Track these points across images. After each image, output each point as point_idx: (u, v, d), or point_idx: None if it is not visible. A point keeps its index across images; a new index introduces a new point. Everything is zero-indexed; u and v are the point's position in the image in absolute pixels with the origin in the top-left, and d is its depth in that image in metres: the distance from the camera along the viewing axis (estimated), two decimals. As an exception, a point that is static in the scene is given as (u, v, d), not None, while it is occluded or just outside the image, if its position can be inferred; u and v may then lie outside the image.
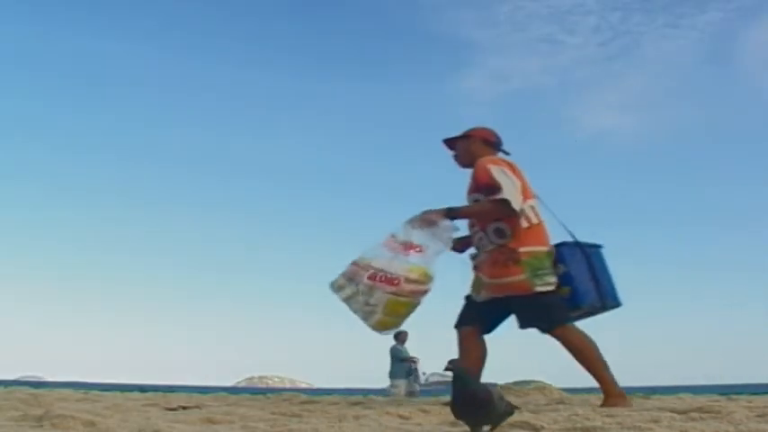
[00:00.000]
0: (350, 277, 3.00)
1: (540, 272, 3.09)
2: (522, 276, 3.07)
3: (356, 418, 2.45)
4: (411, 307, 3.04)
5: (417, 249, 3.04)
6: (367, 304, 2.94)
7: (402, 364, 9.85)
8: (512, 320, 3.27)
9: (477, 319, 3.26)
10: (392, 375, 9.85)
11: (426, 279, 3.05)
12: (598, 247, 3.40)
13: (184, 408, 3.10)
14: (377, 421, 2.33)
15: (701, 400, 3.68)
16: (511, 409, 1.83)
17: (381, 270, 2.94)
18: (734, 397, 4.39)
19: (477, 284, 3.26)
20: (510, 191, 3.08)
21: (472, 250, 3.37)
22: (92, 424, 1.99)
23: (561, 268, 3.19)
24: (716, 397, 4.61)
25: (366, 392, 8.56)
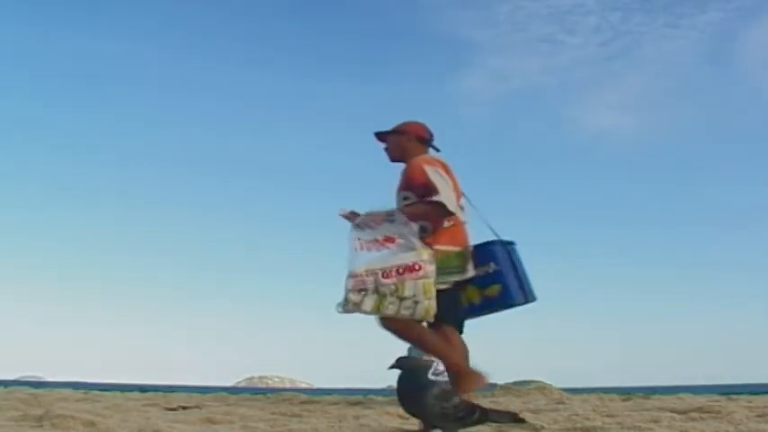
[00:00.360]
0: (361, 288, 2.98)
1: (442, 270, 3.16)
2: None
3: (356, 418, 2.45)
4: (434, 286, 3.09)
5: (396, 240, 3.06)
6: (403, 299, 2.94)
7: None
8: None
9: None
10: None
11: (432, 257, 3.10)
12: (513, 243, 3.51)
13: (184, 408, 3.09)
14: (377, 421, 2.33)
15: (701, 400, 3.68)
16: (467, 416, 1.73)
17: (392, 265, 2.96)
18: (734, 397, 4.39)
19: None
20: (446, 193, 3.15)
21: None
22: (92, 424, 1.99)
23: (493, 266, 3.27)
24: (716, 397, 4.61)
25: (366, 392, 8.55)
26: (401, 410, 2.82)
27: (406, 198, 3.31)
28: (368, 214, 3.11)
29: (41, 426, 2.02)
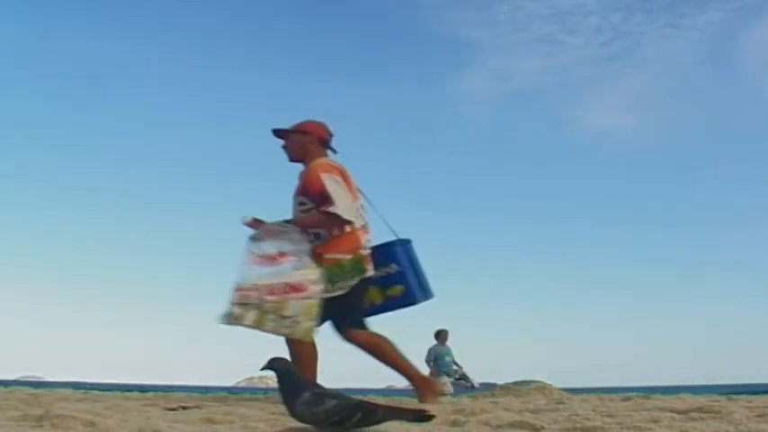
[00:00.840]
0: (244, 303, 2.98)
1: (335, 278, 3.17)
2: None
3: (356, 418, 2.44)
4: (318, 306, 3.09)
5: (288, 257, 3.07)
6: (283, 318, 2.95)
7: (444, 362, 9.67)
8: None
9: None
10: (431, 375, 9.72)
11: (320, 277, 3.10)
12: (409, 241, 3.53)
13: (184, 408, 3.09)
14: (377, 421, 2.32)
15: (701, 400, 3.67)
16: (346, 419, 1.64)
17: (279, 283, 2.95)
18: (734, 397, 4.39)
19: None
20: (342, 203, 3.15)
21: None
22: (92, 424, 1.99)
23: (394, 267, 3.30)
24: (716, 397, 4.61)
25: (366, 392, 8.55)
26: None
27: (302, 203, 3.30)
28: (264, 227, 3.10)
29: (41, 426, 2.02)
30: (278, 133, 3.49)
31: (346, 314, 3.22)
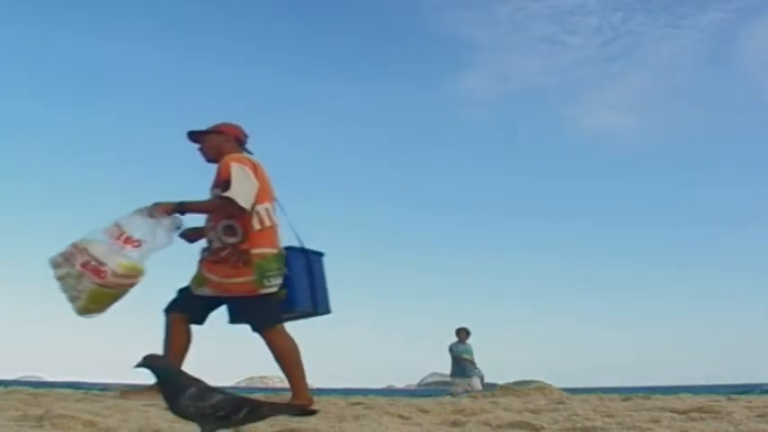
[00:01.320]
0: (66, 258, 3.06)
1: (268, 273, 3.13)
2: (250, 278, 3.08)
3: (356, 418, 2.45)
4: (115, 297, 3.10)
5: (135, 244, 3.06)
6: (75, 289, 3.03)
7: (460, 363, 9.50)
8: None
9: (191, 308, 3.26)
10: (452, 374, 9.55)
11: (136, 273, 3.09)
12: (320, 255, 3.49)
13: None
14: (377, 421, 2.33)
15: (701, 400, 3.68)
16: (232, 414, 1.60)
17: (95, 259, 2.99)
18: (734, 397, 4.39)
19: (199, 279, 3.22)
20: (240, 189, 3.10)
21: (204, 243, 3.33)
22: (92, 424, 1.99)
23: (284, 271, 3.26)
24: (716, 397, 4.61)
25: (366, 392, 8.55)
26: (402, 410, 2.82)
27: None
28: (155, 205, 3.09)
29: (41, 426, 2.02)
30: (194, 136, 3.45)
31: (270, 312, 3.17)
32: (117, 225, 3.08)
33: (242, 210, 3.09)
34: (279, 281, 3.18)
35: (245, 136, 3.50)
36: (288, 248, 3.35)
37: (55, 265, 3.05)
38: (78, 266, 2.99)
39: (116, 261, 2.98)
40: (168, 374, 1.66)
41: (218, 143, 3.40)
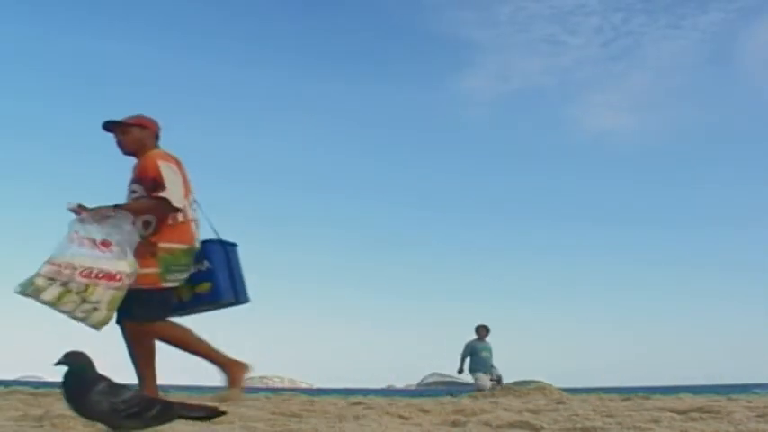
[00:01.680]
0: (51, 277, 2.90)
1: (173, 268, 3.14)
2: (155, 270, 3.08)
3: (356, 418, 2.45)
4: (121, 300, 3.04)
5: (112, 246, 3.02)
6: (85, 302, 2.90)
7: (481, 358, 9.50)
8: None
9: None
10: (472, 370, 9.45)
11: (135, 271, 3.06)
12: (235, 245, 3.51)
13: (184, 408, 3.09)
14: (377, 421, 2.33)
15: (701, 400, 3.68)
16: (143, 411, 1.58)
17: (95, 268, 2.91)
18: (734, 397, 4.39)
19: None
20: (173, 190, 3.12)
21: None
22: (92, 424, 1.99)
23: (206, 264, 3.27)
24: (716, 397, 4.61)
25: (366, 392, 8.55)
26: (402, 410, 2.82)
27: (134, 192, 3.26)
28: (94, 210, 3.04)
29: (41, 426, 2.02)
30: (112, 125, 3.43)
31: (161, 308, 3.16)
32: (77, 233, 2.99)
33: (174, 210, 3.12)
34: (183, 276, 3.19)
35: (160, 129, 3.50)
36: (207, 242, 3.36)
37: (36, 290, 2.84)
38: (79, 278, 2.88)
39: (118, 264, 2.95)
40: (82, 372, 1.62)
41: (140, 137, 3.38)
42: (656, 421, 2.19)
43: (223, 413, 1.75)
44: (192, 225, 3.30)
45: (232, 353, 3.45)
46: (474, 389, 8.91)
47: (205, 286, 3.27)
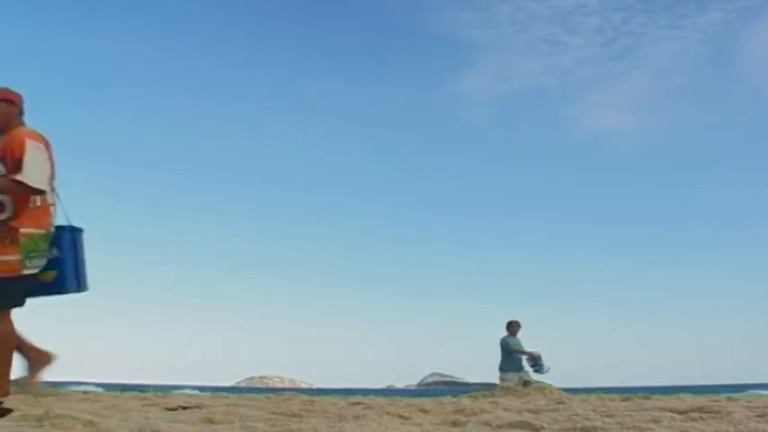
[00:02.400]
0: None
1: (32, 254, 3.06)
2: (16, 257, 3.00)
3: (356, 418, 2.45)
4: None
5: None
6: None
7: (512, 357, 9.22)
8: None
9: None
10: (502, 368, 9.24)
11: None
12: (81, 230, 3.42)
13: (184, 408, 3.09)
14: (377, 421, 2.33)
15: (701, 400, 3.68)
16: None
17: None
18: (734, 397, 4.39)
19: None
20: (34, 174, 2.99)
21: None
22: (92, 424, 1.99)
23: (55, 252, 3.18)
24: (716, 397, 4.61)
25: (366, 392, 8.55)
26: (401, 410, 2.82)
27: None
28: None
29: (41, 426, 2.02)
30: None
31: (21, 296, 3.09)
32: None
33: (34, 192, 3.05)
34: (42, 262, 3.11)
35: (24, 105, 3.42)
36: (59, 228, 3.29)
37: None
38: None
39: None
40: None
41: (7, 112, 3.27)
42: (656, 421, 2.19)
43: (10, 411, 1.70)
44: (51, 210, 3.23)
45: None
46: (498, 388, 8.52)
47: (51, 275, 3.17)
